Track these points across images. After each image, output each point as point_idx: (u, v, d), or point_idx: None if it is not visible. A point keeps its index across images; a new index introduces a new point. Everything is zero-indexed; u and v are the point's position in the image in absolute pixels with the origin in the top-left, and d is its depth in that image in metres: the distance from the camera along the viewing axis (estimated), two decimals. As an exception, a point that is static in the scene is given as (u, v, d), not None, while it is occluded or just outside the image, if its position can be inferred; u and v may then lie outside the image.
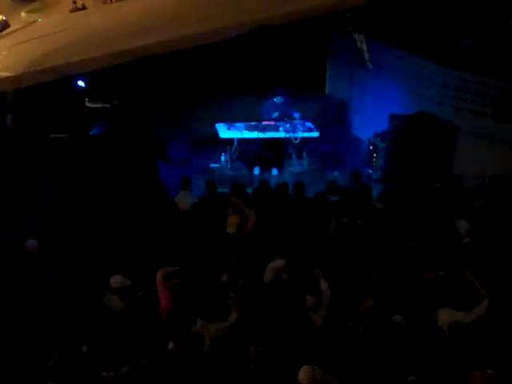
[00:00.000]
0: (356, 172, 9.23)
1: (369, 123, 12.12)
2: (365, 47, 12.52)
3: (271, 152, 11.50)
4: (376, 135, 11.34)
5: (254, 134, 11.28)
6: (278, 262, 6.49)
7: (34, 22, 7.49)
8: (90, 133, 9.83)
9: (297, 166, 11.56)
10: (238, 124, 11.48)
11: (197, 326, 5.49)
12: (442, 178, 9.37)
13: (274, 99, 11.57)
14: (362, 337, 5.45)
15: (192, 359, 5.07)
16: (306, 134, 11.47)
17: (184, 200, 8.28)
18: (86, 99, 11.08)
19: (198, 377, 4.99)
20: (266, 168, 11.41)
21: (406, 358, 5.15)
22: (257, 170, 11.39)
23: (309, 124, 11.69)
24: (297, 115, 11.34)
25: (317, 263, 6.58)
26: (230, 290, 6.09)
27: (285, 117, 11.41)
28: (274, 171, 11.40)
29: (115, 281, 6.04)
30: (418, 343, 5.32)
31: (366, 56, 12.47)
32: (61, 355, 4.86)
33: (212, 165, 11.47)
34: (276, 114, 11.47)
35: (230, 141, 11.41)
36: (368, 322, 5.59)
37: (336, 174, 11.10)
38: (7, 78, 5.55)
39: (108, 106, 10.39)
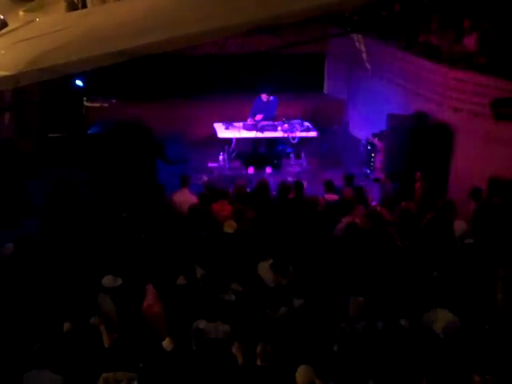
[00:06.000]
0: (349, 174, 9.22)
1: (367, 123, 12.13)
2: (363, 47, 12.52)
3: (265, 150, 11.51)
4: (374, 135, 11.34)
5: (252, 134, 11.28)
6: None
7: (32, 21, 7.44)
8: (88, 132, 9.82)
9: (295, 166, 11.56)
10: (236, 124, 11.47)
11: (200, 327, 5.49)
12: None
13: (261, 96, 11.54)
14: (356, 338, 5.43)
15: (195, 358, 5.09)
16: (304, 134, 11.47)
17: (182, 198, 8.28)
18: (84, 98, 11.09)
19: (202, 375, 5.00)
20: (260, 167, 11.42)
21: (404, 359, 5.14)
22: (251, 170, 11.39)
23: (307, 124, 11.70)
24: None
25: (317, 265, 6.58)
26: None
27: (269, 118, 11.41)
28: (268, 170, 11.40)
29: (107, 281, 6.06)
30: (415, 345, 5.32)
31: (364, 56, 12.47)
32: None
33: (210, 164, 11.47)
34: (258, 119, 11.44)
35: (228, 140, 11.41)
36: (360, 322, 5.59)
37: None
38: (5, 77, 5.51)
39: (106, 105, 10.41)
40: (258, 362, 5.12)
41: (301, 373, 4.90)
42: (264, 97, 11.52)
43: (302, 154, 11.62)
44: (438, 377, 4.89)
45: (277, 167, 11.49)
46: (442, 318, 5.66)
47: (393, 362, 5.06)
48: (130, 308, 5.87)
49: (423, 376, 4.93)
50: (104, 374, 4.87)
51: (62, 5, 7.79)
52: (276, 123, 11.47)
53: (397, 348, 5.21)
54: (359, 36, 12.50)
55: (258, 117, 11.44)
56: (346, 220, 7.52)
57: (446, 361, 5.07)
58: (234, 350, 5.24)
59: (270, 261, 6.52)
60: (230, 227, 7.35)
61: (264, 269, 6.54)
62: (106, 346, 5.40)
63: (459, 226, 7.36)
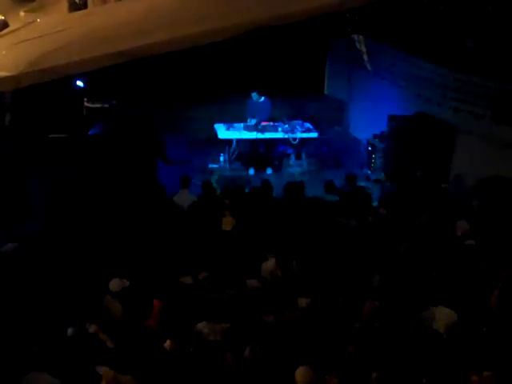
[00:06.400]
0: (351, 175, 9.21)
1: (367, 124, 12.13)
2: (364, 48, 12.52)
3: (265, 151, 11.53)
4: (375, 136, 11.35)
5: (253, 135, 11.29)
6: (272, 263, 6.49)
7: (33, 21, 7.46)
8: (89, 133, 9.83)
9: (295, 167, 11.57)
10: (236, 124, 11.48)
11: (202, 327, 5.48)
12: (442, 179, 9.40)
13: (252, 97, 11.55)
14: (362, 339, 5.42)
15: (191, 359, 5.07)
16: (305, 135, 11.48)
17: (183, 198, 8.30)
18: (85, 99, 11.08)
19: (196, 377, 4.99)
20: (260, 168, 11.43)
21: (404, 358, 5.14)
22: (252, 171, 11.40)
23: (308, 125, 11.70)
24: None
25: (314, 265, 6.58)
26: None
27: (263, 120, 11.43)
28: (269, 170, 11.41)
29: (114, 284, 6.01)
30: (416, 344, 5.31)
31: (365, 57, 12.47)
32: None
33: (211, 165, 11.48)
34: (254, 121, 11.44)
35: (228, 141, 11.42)
36: (369, 324, 5.58)
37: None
38: (6, 78, 5.53)
39: (107, 106, 10.42)
40: (248, 364, 5.07)
41: (300, 373, 4.88)
42: (255, 96, 11.51)
43: (303, 155, 11.62)
44: (438, 376, 4.89)
45: (277, 168, 11.50)
46: (442, 316, 5.67)
47: (394, 361, 5.05)
48: (138, 309, 5.83)
49: (423, 375, 4.93)
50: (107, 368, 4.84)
51: (63, 5, 7.83)
52: (276, 124, 11.48)
53: (398, 347, 5.21)
54: (360, 36, 12.49)
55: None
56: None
57: (446, 360, 5.07)
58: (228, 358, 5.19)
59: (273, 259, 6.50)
60: (227, 224, 7.36)
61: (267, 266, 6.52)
62: (110, 346, 5.35)
63: (460, 225, 7.36)
